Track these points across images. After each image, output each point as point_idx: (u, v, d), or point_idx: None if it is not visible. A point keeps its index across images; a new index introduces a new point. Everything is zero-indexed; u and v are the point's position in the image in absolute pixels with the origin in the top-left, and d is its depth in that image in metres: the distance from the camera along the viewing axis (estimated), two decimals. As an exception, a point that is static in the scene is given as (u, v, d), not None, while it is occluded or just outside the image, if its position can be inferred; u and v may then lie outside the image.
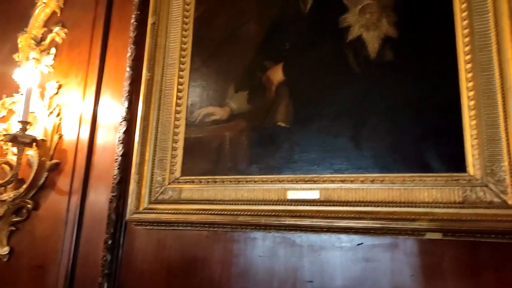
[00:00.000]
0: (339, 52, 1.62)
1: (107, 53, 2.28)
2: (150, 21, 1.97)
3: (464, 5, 1.45)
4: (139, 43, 2.07)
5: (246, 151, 1.67)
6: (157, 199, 1.75)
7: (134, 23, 2.13)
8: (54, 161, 2.18)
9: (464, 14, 1.44)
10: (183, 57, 1.90)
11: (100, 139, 2.14)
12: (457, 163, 1.34)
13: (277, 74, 1.73)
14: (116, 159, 1.97)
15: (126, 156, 1.94)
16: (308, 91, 1.65)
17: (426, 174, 1.36)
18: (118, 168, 1.94)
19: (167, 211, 1.69)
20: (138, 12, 2.13)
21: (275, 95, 1.70)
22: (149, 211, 1.73)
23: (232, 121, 1.75)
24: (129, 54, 2.10)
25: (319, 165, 1.53)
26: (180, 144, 1.79)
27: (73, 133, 2.21)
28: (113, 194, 1.91)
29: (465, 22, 1.43)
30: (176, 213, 1.67)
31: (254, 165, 1.64)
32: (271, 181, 1.58)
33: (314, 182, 1.51)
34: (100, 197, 2.00)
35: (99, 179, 2.05)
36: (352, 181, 1.45)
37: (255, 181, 1.60)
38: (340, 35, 1.63)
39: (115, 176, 1.94)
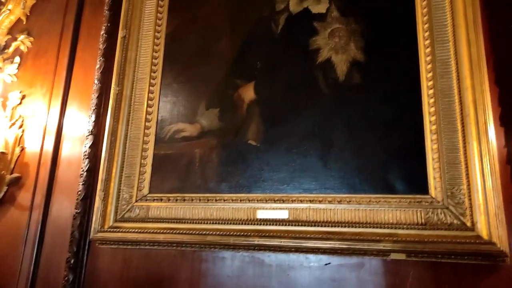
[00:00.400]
0: (309, 73, 1.66)
1: (75, 64, 2.23)
2: (120, 34, 1.94)
3: (427, 33, 1.52)
4: (108, 56, 2.04)
5: (216, 169, 1.67)
6: (123, 217, 1.71)
7: (104, 35, 2.10)
8: (14, 175, 2.09)
9: (427, 42, 1.51)
10: (154, 72, 1.88)
11: (65, 153, 2.08)
12: (420, 185, 1.39)
13: (248, 93, 1.74)
14: (81, 174, 1.91)
15: (92, 171, 1.89)
16: (278, 110, 1.67)
17: (390, 196, 1.41)
18: (83, 184, 1.88)
19: (133, 230, 1.66)
20: (109, 24, 2.10)
21: (246, 113, 1.71)
22: (115, 229, 1.69)
23: (202, 138, 1.74)
24: (97, 66, 2.06)
25: (289, 184, 1.55)
26: (149, 161, 1.76)
27: (36, 145, 2.13)
28: (77, 210, 1.85)
29: (427, 50, 1.50)
30: (143, 232, 1.63)
31: (224, 183, 1.63)
32: (240, 200, 1.58)
33: (284, 201, 1.52)
34: (63, 214, 1.93)
35: (62, 194, 1.98)
36: (320, 201, 1.48)
37: (224, 200, 1.60)
38: (310, 57, 1.67)
39: (79, 192, 1.88)
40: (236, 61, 1.81)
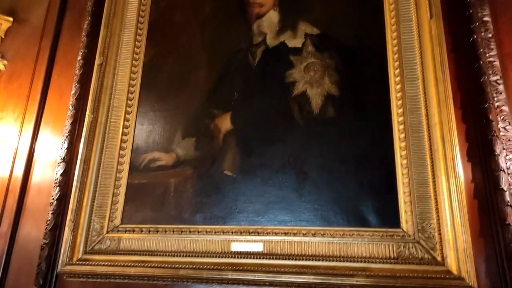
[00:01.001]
0: (285, 105, 1.69)
1: (50, 88, 2.20)
2: (97, 61, 1.93)
3: (397, 71, 1.59)
4: (84, 82, 2.02)
5: (191, 199, 1.65)
6: (93, 249, 1.66)
7: (81, 61, 2.08)
8: (-21, 202, 2.00)
9: (397, 79, 1.58)
10: (130, 100, 1.87)
11: (35, 179, 2.01)
12: (392, 218, 1.42)
13: (225, 123, 1.75)
14: (51, 202, 1.85)
15: (63, 200, 1.83)
16: (254, 141, 1.68)
17: (363, 229, 1.43)
18: (53, 213, 1.82)
19: (103, 263, 1.61)
20: (86, 50, 2.09)
21: (223, 143, 1.72)
22: (84, 262, 1.63)
23: (178, 168, 1.73)
24: (73, 92, 2.03)
25: (264, 216, 1.55)
26: (122, 190, 1.73)
27: (5, 171, 2.06)
28: (45, 241, 1.78)
29: (398, 87, 1.56)
30: (113, 265, 1.59)
31: (198, 214, 1.62)
32: (215, 232, 1.56)
33: (258, 233, 1.52)
34: (30, 244, 1.85)
35: (31, 223, 1.90)
36: (295, 234, 1.48)
37: (198, 232, 1.58)
38: (286, 89, 1.71)
39: (48, 221, 1.81)
40: (213, 91, 1.83)
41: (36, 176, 2.02)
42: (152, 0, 2.06)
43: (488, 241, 1.34)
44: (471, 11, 1.60)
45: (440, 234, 1.33)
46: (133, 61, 1.94)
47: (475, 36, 1.56)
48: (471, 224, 1.34)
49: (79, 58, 2.10)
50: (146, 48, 1.97)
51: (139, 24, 2.00)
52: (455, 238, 1.29)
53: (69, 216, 1.70)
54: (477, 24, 1.59)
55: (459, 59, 1.62)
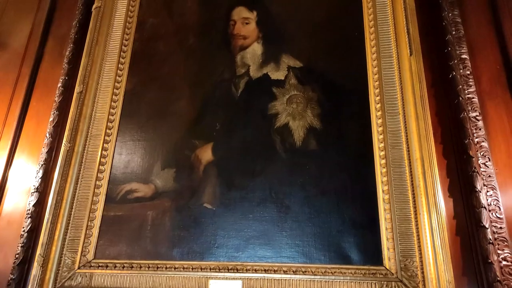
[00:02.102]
0: (267, 137, 1.68)
1: (28, 115, 2.13)
2: (76, 89, 1.90)
3: (378, 105, 1.60)
4: (63, 110, 1.97)
5: (168, 233, 1.59)
6: (63, 286, 1.57)
7: (61, 88, 2.04)
8: None
9: (379, 113, 1.59)
10: (110, 129, 1.83)
11: (6, 209, 1.92)
12: (374, 255, 1.39)
13: (206, 154, 1.72)
14: (22, 234, 1.76)
15: (34, 232, 1.75)
16: (235, 173, 1.65)
17: (346, 266, 1.39)
18: (22, 246, 1.72)
19: (73, 301, 1.52)
20: (66, 78, 2.05)
21: (203, 175, 1.68)
22: (52, 300, 1.54)
23: (156, 200, 1.67)
24: (51, 119, 1.98)
25: (243, 251, 1.50)
26: (97, 223, 1.66)
27: (-26, 199, 1.96)
28: (12, 276, 1.68)
29: (379, 121, 1.57)
30: (83, 303, 1.50)
31: (176, 249, 1.56)
32: (192, 268, 1.50)
33: (237, 270, 1.46)
34: (-5, 280, 1.74)
35: (-2, 256, 1.80)
36: (275, 271, 1.43)
37: (175, 268, 1.51)
38: (268, 121, 1.70)
39: (17, 255, 1.71)
40: (195, 121, 1.80)
41: (7, 206, 1.93)
42: (135, 29, 2.05)
43: (471, 280, 1.32)
44: (449, 48, 1.64)
45: (423, 272, 1.30)
46: (114, 90, 1.91)
47: (454, 73, 1.60)
48: (454, 262, 1.32)
49: (59, 85, 2.06)
50: (128, 77, 1.95)
51: (121, 53, 1.99)
52: (438, 277, 1.26)
53: (39, 250, 1.61)
54: (456, 61, 1.62)
55: (438, 95, 1.65)
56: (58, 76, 2.11)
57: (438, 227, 1.33)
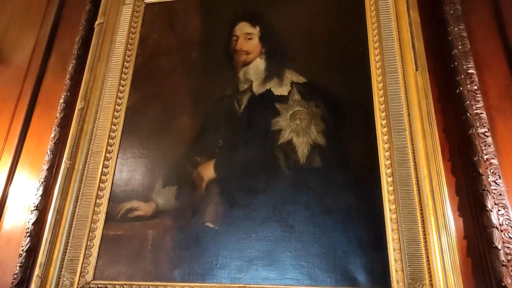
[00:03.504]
0: (270, 154, 1.64)
1: (29, 131, 2.11)
2: (78, 106, 1.88)
3: (384, 121, 1.57)
4: (64, 126, 1.95)
5: (169, 253, 1.55)
6: (61, 308, 1.52)
7: (62, 104, 2.02)
8: None
9: (385, 130, 1.55)
10: (111, 146, 1.81)
11: (6, 227, 1.88)
12: (382, 278, 1.34)
13: (208, 171, 1.69)
14: (21, 254, 1.72)
15: (33, 252, 1.70)
16: (238, 191, 1.61)
17: (352, 289, 1.33)
18: (21, 266, 1.68)
19: (70, 324, 1.47)
20: (68, 94, 2.03)
21: (205, 192, 1.65)
22: (48, 324, 1.49)
23: (157, 218, 1.64)
24: (52, 135, 1.96)
25: (246, 272, 1.45)
26: (96, 242, 1.62)
27: (-27, 217, 1.93)
28: (9, 299, 1.64)
29: (385, 138, 1.53)
30: (81, 327, 1.45)
31: (176, 270, 1.51)
32: (193, 290, 1.45)
33: (240, 292, 1.41)
34: (-8, 302, 1.70)
35: (-4, 277, 1.76)
36: (279, 293, 1.38)
37: (176, 289, 1.46)
38: (272, 137, 1.67)
39: (15, 276, 1.67)
40: (197, 138, 1.77)
41: (7, 224, 1.89)
42: (138, 45, 2.04)
43: (484, 304, 1.26)
44: (456, 63, 1.61)
45: (433, 297, 1.24)
46: (116, 106, 1.89)
47: (461, 88, 1.56)
48: (466, 285, 1.26)
49: (61, 101, 2.05)
50: (130, 93, 1.93)
51: (124, 69, 1.97)
52: (449, 302, 1.21)
53: (37, 271, 1.57)
54: (463, 76, 1.59)
55: (445, 111, 1.61)
56: (60, 93, 2.09)
57: (448, 248, 1.28)
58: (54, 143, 1.92)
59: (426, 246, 1.32)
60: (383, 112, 1.58)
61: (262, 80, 1.81)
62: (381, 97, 1.61)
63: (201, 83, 1.89)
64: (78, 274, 1.56)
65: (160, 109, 1.86)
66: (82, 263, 1.58)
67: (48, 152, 1.92)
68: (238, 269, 1.46)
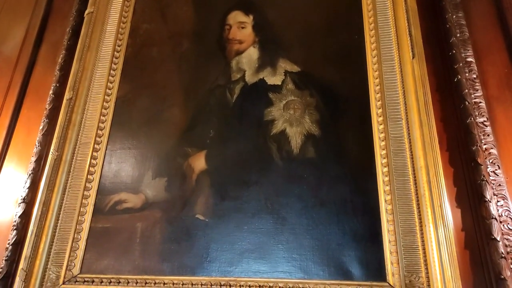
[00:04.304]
0: (263, 144, 1.60)
1: (18, 123, 2.06)
2: (66, 96, 1.83)
3: (380, 111, 1.52)
4: (53, 118, 1.90)
5: (158, 246, 1.50)
6: (46, 303, 1.48)
7: (52, 95, 1.97)
8: None
9: (380, 119, 1.50)
10: (100, 137, 1.76)
11: (-7, 220, 1.84)
12: (376, 270, 1.30)
13: (199, 162, 1.64)
14: (7, 247, 1.67)
15: (19, 245, 1.66)
16: (229, 182, 1.57)
17: (346, 282, 1.29)
18: (7, 260, 1.63)
19: (56, 319, 1.42)
20: (57, 85, 1.98)
21: (196, 184, 1.60)
22: (32, 318, 1.45)
23: (146, 210, 1.59)
24: (41, 127, 1.91)
25: (237, 266, 1.41)
26: (83, 235, 1.57)
27: (-41, 211, 1.89)
28: (-5, 291, 1.59)
29: (381, 127, 1.49)
30: (66, 321, 1.41)
31: (165, 263, 1.46)
32: (183, 284, 1.41)
33: (230, 286, 1.37)
34: (-23, 297, 1.65)
35: (-19, 271, 1.71)
36: (271, 287, 1.34)
37: (164, 283, 1.42)
38: (264, 128, 1.62)
39: (1, 270, 1.63)
40: (188, 129, 1.73)
41: (-6, 217, 1.84)
42: (129, 35, 1.99)
43: (483, 298, 1.21)
44: (454, 51, 1.57)
45: (429, 289, 1.20)
46: (105, 96, 1.84)
47: (459, 77, 1.52)
48: (463, 278, 1.22)
49: (50, 92, 2.00)
50: (120, 83, 1.88)
51: (114, 59, 1.92)
52: (446, 295, 1.16)
53: (22, 264, 1.52)
54: (461, 64, 1.55)
55: (443, 100, 1.57)
56: (50, 84, 2.05)
57: (446, 240, 1.24)
58: (42, 134, 1.87)
59: (422, 238, 1.28)
60: (379, 101, 1.54)
61: (255, 70, 1.76)
62: (377, 85, 1.56)
63: (193, 73, 1.84)
64: (64, 268, 1.52)
65: (151, 100, 1.82)
66: (69, 256, 1.53)
67: (37, 144, 1.87)
68: (228, 262, 1.41)
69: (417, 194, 1.34)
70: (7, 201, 1.86)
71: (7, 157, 2.00)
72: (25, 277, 1.50)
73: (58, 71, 2.04)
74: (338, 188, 1.44)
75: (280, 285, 1.33)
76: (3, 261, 1.64)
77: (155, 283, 1.42)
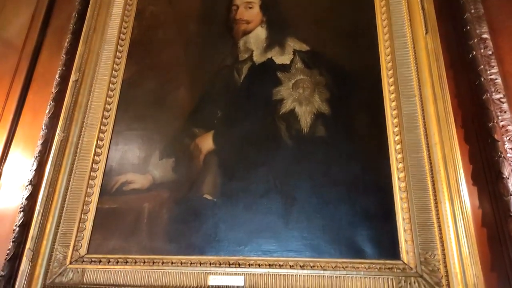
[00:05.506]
0: (272, 124, 1.56)
1: (24, 108, 2.05)
2: (72, 77, 1.81)
3: (392, 87, 1.48)
4: (59, 100, 1.88)
5: (165, 227, 1.48)
6: (53, 282, 1.46)
7: (58, 79, 1.95)
8: None
9: (393, 96, 1.46)
10: (106, 118, 1.74)
11: (0, 205, 1.83)
12: (390, 248, 1.26)
13: (206, 142, 1.61)
14: (14, 229, 1.66)
15: (26, 226, 1.64)
16: (237, 162, 1.53)
17: (358, 260, 1.26)
18: (14, 241, 1.62)
19: (63, 298, 1.41)
20: (64, 68, 1.97)
21: (203, 164, 1.57)
22: (40, 297, 1.43)
23: (153, 191, 1.56)
24: (47, 110, 1.89)
25: (246, 245, 1.38)
26: (90, 216, 1.55)
27: (-34, 196, 1.88)
28: (2, 272, 1.58)
29: (393, 104, 1.45)
30: (74, 301, 1.39)
31: (173, 243, 1.44)
32: (191, 263, 1.38)
33: (239, 265, 1.34)
34: (-14, 277, 1.64)
35: (-10, 253, 1.70)
36: (281, 266, 1.30)
37: (172, 263, 1.39)
38: (273, 107, 1.59)
39: (8, 251, 1.62)
40: (195, 110, 1.70)
41: (1, 201, 1.84)
42: (134, 17, 1.97)
43: (501, 276, 1.17)
44: (468, 27, 1.51)
45: (446, 267, 1.16)
46: (112, 78, 1.81)
47: (474, 53, 1.47)
48: (481, 256, 1.17)
49: (56, 76, 1.98)
50: (126, 65, 1.85)
51: (120, 41, 1.90)
52: (463, 272, 1.12)
53: (28, 244, 1.51)
54: (476, 40, 1.50)
55: (457, 77, 1.52)
56: (56, 68, 2.03)
57: (462, 217, 1.19)
58: (49, 117, 1.86)
59: (438, 215, 1.24)
60: (391, 78, 1.49)
61: (263, 49, 1.73)
62: (389, 62, 1.52)
63: (200, 54, 1.81)
64: (71, 248, 1.50)
65: (158, 82, 1.79)
66: (76, 237, 1.51)
67: (43, 127, 1.85)
68: (237, 242, 1.38)
69: (431, 170, 1.30)
70: (14, 186, 1.85)
71: (13, 142, 1.99)
72: (32, 257, 1.48)
73: (64, 55, 2.02)
74: (349, 166, 1.41)
75: (290, 263, 1.30)
76: (10, 242, 1.63)
77: (162, 263, 1.40)
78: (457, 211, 1.21)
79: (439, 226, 1.22)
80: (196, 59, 1.81)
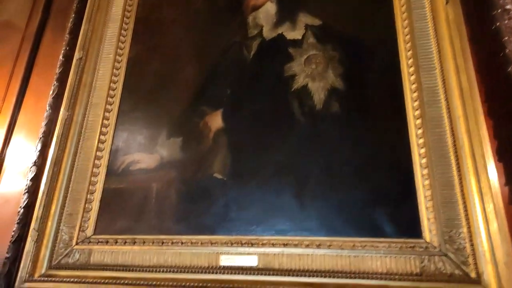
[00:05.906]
0: (283, 101, 1.50)
1: (27, 90, 2.01)
2: (76, 56, 1.76)
3: (411, 61, 1.41)
4: (63, 80, 1.83)
5: (174, 206, 1.43)
6: (59, 263, 1.42)
7: (62, 59, 1.90)
8: None
9: (411, 69, 1.39)
10: (111, 97, 1.68)
11: (4, 188, 1.78)
12: (411, 226, 1.19)
13: (216, 121, 1.55)
14: (19, 211, 1.62)
15: (30, 207, 1.60)
16: (248, 141, 1.48)
17: (378, 239, 1.20)
18: (18, 223, 1.58)
19: (69, 279, 1.36)
20: (67, 48, 1.91)
21: (213, 143, 1.51)
22: (47, 278, 1.39)
23: (161, 171, 1.51)
24: (51, 91, 1.84)
25: (259, 225, 1.32)
26: (97, 196, 1.50)
27: (-31, 179, 1.84)
28: (7, 255, 1.54)
29: (412, 77, 1.38)
30: (80, 282, 1.34)
31: (183, 223, 1.39)
32: (201, 243, 1.33)
33: (252, 245, 1.28)
34: (-9, 259, 1.60)
35: (-5, 236, 1.66)
36: (295, 245, 1.25)
37: (182, 243, 1.34)
38: (284, 84, 1.52)
39: (13, 233, 1.57)
40: (203, 88, 1.63)
41: (5, 184, 1.79)
42: (140, -6, 1.91)
43: (531, 253, 1.10)
44: (491, -3, 1.43)
45: (472, 245, 1.10)
46: (117, 57, 1.76)
47: (498, 24, 1.38)
48: (510, 231, 1.10)
49: (60, 56, 1.93)
50: (131, 43, 1.79)
51: (124, 19, 1.84)
52: (492, 249, 1.06)
53: (33, 225, 1.46)
54: (499, 11, 1.41)
55: (480, 50, 1.44)
56: (60, 50, 1.98)
57: (490, 191, 1.12)
58: (53, 97, 1.80)
59: (462, 191, 1.17)
60: (409, 50, 1.42)
61: (273, 25, 1.66)
62: (407, 35, 1.45)
63: (207, 31, 1.75)
64: (77, 229, 1.45)
65: (164, 60, 1.73)
66: (82, 217, 1.47)
67: (47, 107, 1.80)
68: (249, 222, 1.33)
69: (455, 145, 1.23)
70: (18, 169, 1.81)
71: (17, 124, 1.94)
72: (37, 237, 1.44)
73: (68, 35, 1.97)
74: (365, 142, 1.34)
75: (306, 243, 1.24)
76: (15, 224, 1.59)
77: (172, 243, 1.35)
78: (484, 187, 1.14)
79: (464, 203, 1.16)
80: (203, 36, 1.75)
